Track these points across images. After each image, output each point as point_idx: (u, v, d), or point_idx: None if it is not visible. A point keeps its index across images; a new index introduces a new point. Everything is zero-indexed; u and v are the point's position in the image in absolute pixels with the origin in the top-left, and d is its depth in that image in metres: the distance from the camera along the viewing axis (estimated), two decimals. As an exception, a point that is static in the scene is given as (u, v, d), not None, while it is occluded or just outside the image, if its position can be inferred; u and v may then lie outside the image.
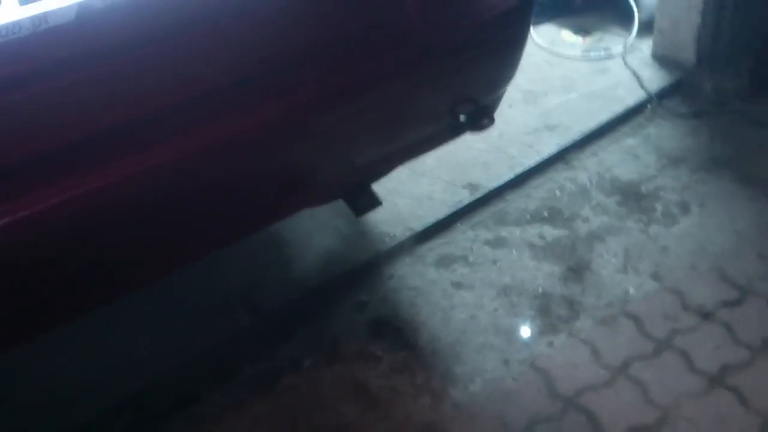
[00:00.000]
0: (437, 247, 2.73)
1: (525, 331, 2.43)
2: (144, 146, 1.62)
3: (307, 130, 1.89)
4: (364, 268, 2.65)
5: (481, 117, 2.18)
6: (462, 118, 2.17)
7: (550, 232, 2.77)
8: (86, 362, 2.37)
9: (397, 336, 2.43)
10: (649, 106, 3.34)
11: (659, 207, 2.84)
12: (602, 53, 3.69)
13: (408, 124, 2.16)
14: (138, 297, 2.39)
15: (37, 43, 1.44)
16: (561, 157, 3.09)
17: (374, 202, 2.24)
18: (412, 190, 2.93)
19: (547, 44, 3.74)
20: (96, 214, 1.61)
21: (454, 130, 2.20)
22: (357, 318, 2.50)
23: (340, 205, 2.79)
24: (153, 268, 1.93)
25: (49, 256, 1.62)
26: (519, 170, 3.00)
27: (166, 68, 1.64)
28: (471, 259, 2.68)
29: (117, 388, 2.30)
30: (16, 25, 1.40)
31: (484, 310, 2.49)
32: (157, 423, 2.25)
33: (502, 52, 2.16)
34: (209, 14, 1.65)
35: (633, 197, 2.89)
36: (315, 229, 2.79)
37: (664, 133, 3.21)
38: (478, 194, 2.89)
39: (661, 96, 3.38)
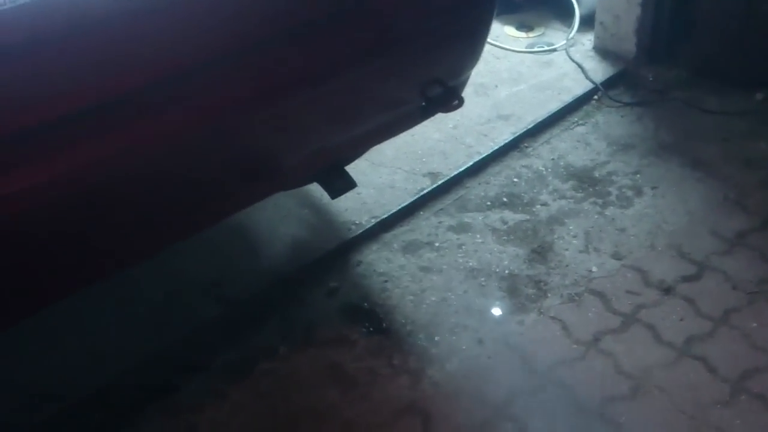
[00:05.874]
0: (402, 234, 2.75)
1: (496, 311, 2.46)
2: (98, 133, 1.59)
3: (282, 114, 1.89)
4: (332, 256, 2.65)
5: (450, 98, 2.21)
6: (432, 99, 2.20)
7: (512, 216, 2.81)
8: (56, 358, 2.31)
9: (370, 320, 2.43)
10: (595, 95, 3.44)
11: (614, 191, 2.91)
12: (546, 47, 3.79)
13: (380, 106, 2.18)
14: (106, 291, 2.35)
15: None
16: (516, 145, 3.15)
17: (349, 183, 2.24)
18: (374, 180, 2.95)
19: (492, 39, 3.81)
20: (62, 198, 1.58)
21: (426, 111, 2.22)
22: (329, 304, 2.49)
23: (304, 195, 2.80)
24: (112, 262, 1.89)
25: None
26: (477, 158, 3.04)
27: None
28: (437, 244, 2.70)
29: (89, 381, 2.25)
30: None
31: (454, 292, 2.52)
32: (132, 414, 2.20)
33: (470, 34, 2.20)
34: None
35: (588, 182, 2.96)
36: (281, 220, 2.77)
37: (611, 121, 3.30)
38: (439, 182, 2.92)
39: (606, 86, 3.47)
